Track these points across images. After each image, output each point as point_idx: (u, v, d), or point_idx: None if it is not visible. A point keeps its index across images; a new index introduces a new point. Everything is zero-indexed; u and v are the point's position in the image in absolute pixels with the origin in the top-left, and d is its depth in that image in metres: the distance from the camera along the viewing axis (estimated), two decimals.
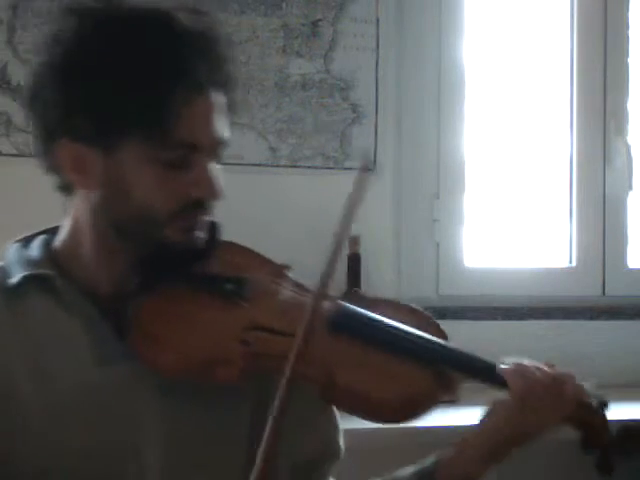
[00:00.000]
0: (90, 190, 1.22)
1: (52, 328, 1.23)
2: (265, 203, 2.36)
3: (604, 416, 1.28)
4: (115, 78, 1.17)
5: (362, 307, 1.30)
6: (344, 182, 2.44)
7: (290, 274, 1.33)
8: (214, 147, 1.24)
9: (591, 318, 2.59)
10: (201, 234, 1.24)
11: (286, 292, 1.28)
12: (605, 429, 1.28)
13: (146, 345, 1.19)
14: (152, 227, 1.20)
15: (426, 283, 2.51)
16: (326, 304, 1.20)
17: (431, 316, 1.34)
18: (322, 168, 2.40)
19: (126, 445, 1.21)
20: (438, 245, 2.53)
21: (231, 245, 1.31)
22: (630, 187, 2.68)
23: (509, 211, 2.67)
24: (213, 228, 1.27)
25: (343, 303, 1.28)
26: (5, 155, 2.21)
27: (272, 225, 2.31)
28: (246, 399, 1.27)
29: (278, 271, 1.31)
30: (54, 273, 1.24)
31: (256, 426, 1.25)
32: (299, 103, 2.39)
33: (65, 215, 1.28)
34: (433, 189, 2.54)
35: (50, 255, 1.27)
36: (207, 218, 1.25)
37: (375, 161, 2.45)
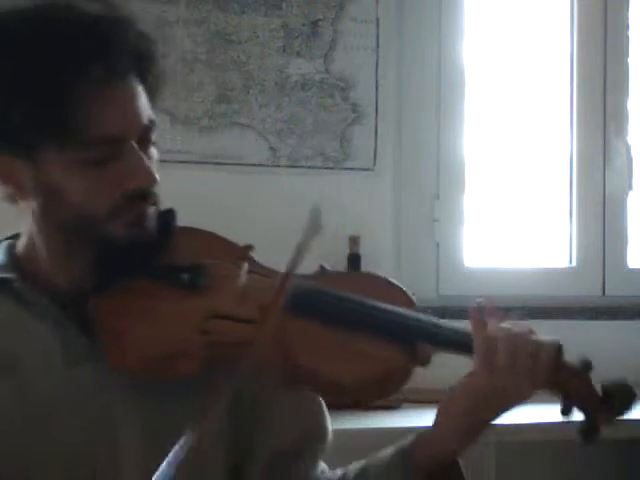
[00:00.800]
0: (27, 200, 1.20)
1: (19, 332, 1.21)
2: (265, 203, 2.36)
3: (588, 378, 1.20)
4: (10, 88, 1.14)
5: (324, 284, 1.25)
6: (344, 182, 2.47)
7: (253, 255, 1.29)
8: (139, 134, 1.18)
9: (591, 318, 2.59)
10: (150, 225, 1.20)
11: (246, 276, 1.24)
12: (590, 391, 1.19)
13: (109, 343, 1.17)
14: (94, 227, 1.18)
15: (426, 283, 2.51)
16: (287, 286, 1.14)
17: (395, 283, 1.30)
18: (322, 168, 2.41)
19: (102, 445, 1.20)
20: (438, 245, 2.53)
21: (190, 231, 1.27)
22: (630, 187, 2.68)
23: (509, 211, 2.66)
24: (167, 216, 1.23)
25: (301, 282, 1.22)
26: None
27: (272, 225, 2.31)
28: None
29: (240, 253, 1.27)
30: (15, 276, 1.23)
31: (232, 416, 1.24)
32: (299, 103, 2.39)
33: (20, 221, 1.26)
34: (433, 189, 2.54)
35: (13, 260, 1.26)
36: (154, 207, 1.21)
37: (375, 161, 2.45)
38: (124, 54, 1.17)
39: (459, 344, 1.21)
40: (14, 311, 1.22)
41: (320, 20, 2.41)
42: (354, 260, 2.34)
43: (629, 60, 2.69)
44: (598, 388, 1.19)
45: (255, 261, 1.29)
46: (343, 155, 2.42)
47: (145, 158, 1.19)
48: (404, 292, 1.30)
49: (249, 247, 1.29)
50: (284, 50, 2.39)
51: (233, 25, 2.35)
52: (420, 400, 2.21)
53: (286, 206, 2.35)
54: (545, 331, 2.69)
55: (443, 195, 2.54)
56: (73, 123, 1.13)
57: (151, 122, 1.20)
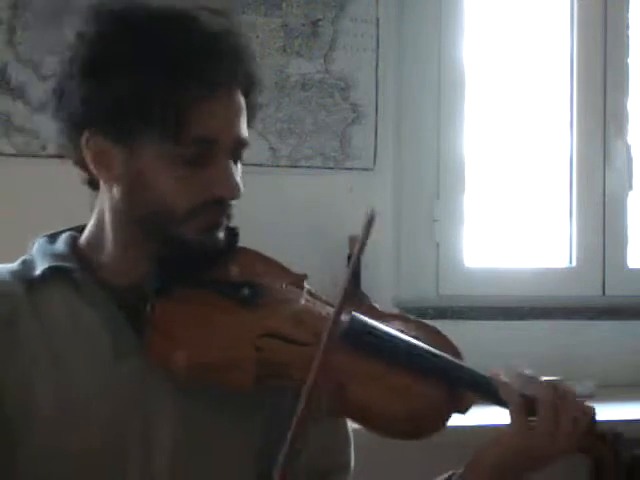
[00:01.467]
0: (112, 184, 1.24)
1: (72, 320, 1.24)
2: (265, 203, 2.36)
3: (616, 449, 1.25)
4: (131, 76, 1.19)
5: (376, 320, 1.29)
6: (344, 182, 2.46)
7: (306, 284, 1.32)
8: (233, 146, 1.24)
9: (591, 318, 2.59)
10: (220, 235, 1.25)
11: (302, 301, 1.28)
12: (617, 463, 1.25)
13: (160, 344, 1.20)
14: (170, 224, 1.21)
15: (426, 283, 2.51)
16: (343, 316, 1.18)
17: (446, 336, 1.33)
18: (322, 168, 2.40)
19: (137, 440, 1.22)
20: (438, 245, 2.53)
21: (250, 252, 1.32)
22: (630, 187, 2.68)
23: (509, 211, 2.66)
24: (232, 233, 1.27)
25: (359, 316, 1.27)
26: (5, 155, 2.21)
27: (272, 225, 2.31)
28: (258, 409, 1.27)
29: (295, 280, 1.31)
30: (76, 266, 1.26)
31: (267, 438, 1.26)
32: (299, 103, 2.39)
33: (88, 212, 1.31)
34: (433, 189, 2.54)
35: (75, 250, 1.29)
36: (227, 220, 1.25)
37: (375, 161, 2.45)
38: (239, 67, 1.23)
39: (499, 398, 1.23)
40: (70, 299, 1.25)
41: (320, 20, 2.41)
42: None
43: (629, 60, 2.69)
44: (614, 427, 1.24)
45: (309, 290, 1.32)
46: (343, 155, 2.42)
47: (235, 170, 1.24)
48: (451, 342, 1.32)
49: (304, 276, 1.33)
50: (284, 50, 2.38)
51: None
52: None
53: (286, 206, 2.35)
54: (545, 331, 2.69)
55: (443, 195, 2.54)
56: (179, 118, 1.18)
57: (245, 140, 1.25)
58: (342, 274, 1.18)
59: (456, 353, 1.30)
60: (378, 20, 2.45)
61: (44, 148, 2.21)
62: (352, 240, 2.35)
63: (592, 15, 2.66)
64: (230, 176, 1.23)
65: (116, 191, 1.24)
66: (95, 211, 1.29)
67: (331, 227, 2.37)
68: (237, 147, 1.25)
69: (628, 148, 2.67)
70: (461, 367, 1.26)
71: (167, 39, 1.20)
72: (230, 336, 1.21)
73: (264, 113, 2.37)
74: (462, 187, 2.57)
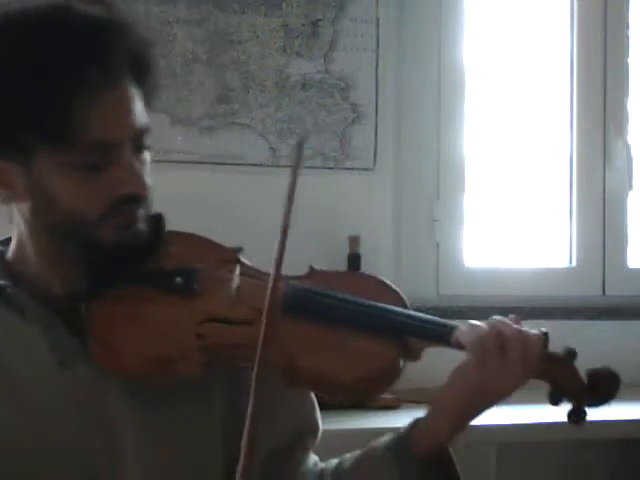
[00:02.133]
0: (18, 202, 1.20)
1: (11, 338, 1.21)
2: (265, 203, 2.36)
3: (573, 366, 1.25)
4: (6, 90, 1.14)
5: (318, 283, 1.26)
6: (344, 182, 2.46)
7: (242, 256, 1.30)
8: (132, 139, 1.19)
9: (591, 318, 2.59)
10: (141, 228, 1.21)
11: (238, 279, 1.25)
12: (575, 379, 1.24)
13: (101, 349, 1.18)
14: (84, 230, 1.18)
15: (426, 283, 2.51)
16: (280, 286, 1.16)
17: (387, 283, 1.31)
18: (322, 168, 2.40)
19: (102, 447, 1.20)
20: (438, 245, 2.53)
21: (178, 235, 1.28)
22: (630, 187, 2.68)
23: (509, 211, 2.66)
24: (156, 221, 1.23)
25: (293, 283, 1.25)
26: None
27: (272, 225, 2.30)
28: (216, 392, 1.26)
29: (230, 256, 1.28)
30: (7, 282, 1.23)
31: (229, 420, 1.25)
32: (299, 103, 2.39)
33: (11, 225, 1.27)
34: (433, 189, 2.54)
35: (3, 265, 1.26)
36: (144, 211, 1.21)
37: (375, 161, 2.45)
38: (120, 58, 1.16)
39: (446, 338, 1.22)
40: (5, 316, 1.22)
41: (320, 20, 2.41)
42: (354, 260, 2.34)
43: (629, 60, 2.69)
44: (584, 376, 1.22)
45: (245, 263, 1.30)
46: (343, 155, 2.42)
47: (137, 164, 1.19)
48: (393, 289, 1.31)
49: (238, 249, 1.30)
50: (284, 50, 2.39)
51: (233, 25, 2.35)
52: (420, 400, 2.21)
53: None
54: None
55: (443, 195, 2.54)
56: (66, 126, 1.13)
57: (145, 127, 1.20)
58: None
59: (400, 300, 1.28)
60: (378, 20, 2.45)
61: None
62: (352, 240, 2.35)
63: (592, 15, 2.66)
64: (133, 172, 1.18)
65: (24, 207, 1.20)
66: (14, 225, 1.25)
67: (331, 227, 2.37)
68: (137, 137, 1.20)
69: (628, 148, 2.67)
70: (405, 315, 1.24)
71: (39, 43, 1.13)
72: (170, 328, 1.19)
73: (264, 113, 2.38)
74: (462, 187, 2.57)
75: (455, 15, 2.56)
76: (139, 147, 1.21)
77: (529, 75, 2.67)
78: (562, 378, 1.23)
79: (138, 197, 1.19)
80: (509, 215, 2.66)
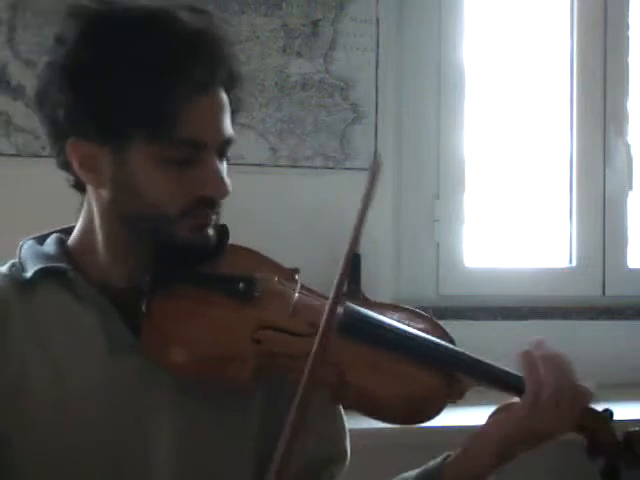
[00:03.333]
0: (100, 188, 1.24)
1: (66, 320, 1.24)
2: (265, 203, 2.36)
3: (611, 425, 1.29)
4: (115, 79, 1.18)
5: (371, 309, 1.31)
6: (344, 182, 2.46)
7: (298, 277, 1.34)
8: (220, 145, 1.25)
9: (591, 318, 2.59)
10: (210, 232, 1.25)
11: (296, 293, 1.29)
12: (612, 437, 1.28)
13: (157, 342, 1.20)
14: (161, 225, 1.22)
15: (426, 283, 2.51)
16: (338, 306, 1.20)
17: (439, 324, 1.35)
18: (322, 168, 2.40)
19: (135, 439, 1.22)
20: (438, 245, 2.53)
21: (240, 248, 1.33)
22: (630, 187, 2.68)
23: (509, 211, 2.67)
24: (222, 230, 1.28)
25: (353, 305, 1.29)
26: (5, 155, 2.21)
27: (272, 225, 2.31)
28: (254, 402, 1.28)
29: (287, 274, 1.33)
30: (69, 266, 1.26)
31: (264, 429, 1.26)
32: (299, 103, 2.39)
33: (77, 213, 1.30)
34: (433, 189, 2.54)
35: (64, 251, 1.29)
36: (217, 218, 1.26)
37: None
38: (222, 67, 1.24)
39: (497, 380, 1.27)
40: (64, 299, 1.25)
41: (320, 20, 2.41)
42: (354, 260, 2.34)
43: (629, 60, 2.69)
44: (619, 434, 1.28)
45: (302, 283, 1.33)
46: (343, 155, 2.42)
47: (222, 169, 1.25)
48: (444, 329, 1.34)
49: (296, 270, 1.35)
50: (284, 50, 2.38)
51: (233, 25, 2.35)
52: None
53: (286, 206, 2.35)
54: (545, 331, 2.69)
55: (443, 195, 2.54)
56: (167, 120, 1.18)
57: (231, 137, 1.27)
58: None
59: (450, 341, 1.31)
60: (378, 20, 2.45)
61: (44, 148, 2.21)
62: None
63: (592, 15, 2.66)
64: (219, 176, 1.24)
65: (105, 194, 1.24)
66: (82, 213, 1.29)
67: (331, 227, 2.37)
68: (224, 146, 1.26)
69: (628, 148, 2.67)
70: (457, 352, 1.28)
71: (148, 40, 1.19)
72: (227, 330, 1.22)
73: (264, 113, 2.38)
74: (462, 187, 2.57)
75: (455, 15, 2.56)
76: (223, 155, 1.27)
77: (529, 75, 2.67)
78: (600, 434, 1.28)
79: (217, 201, 1.25)
80: (509, 215, 2.66)
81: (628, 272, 2.68)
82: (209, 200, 1.24)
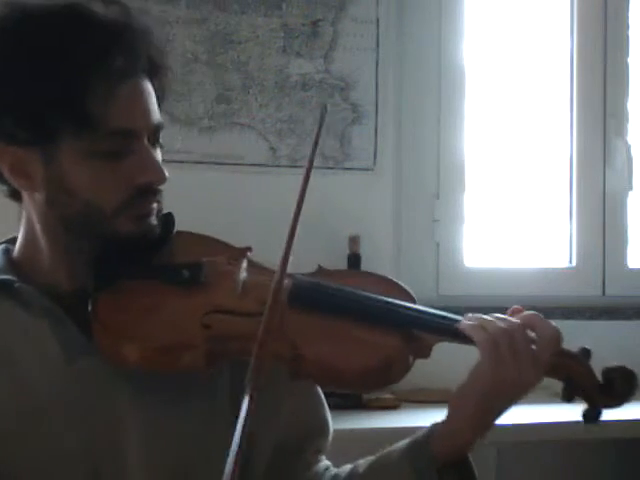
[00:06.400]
0: (34, 192, 1.21)
1: (19, 332, 1.22)
2: (265, 203, 2.36)
3: (588, 364, 1.23)
4: (30, 78, 1.15)
5: (327, 280, 1.27)
6: (344, 182, 2.46)
7: (250, 256, 1.31)
8: (150, 132, 1.21)
9: (591, 318, 2.59)
10: (153, 222, 1.23)
11: (243, 273, 1.27)
12: (590, 377, 1.22)
13: (105, 339, 1.18)
14: (101, 222, 1.19)
15: (426, 283, 2.51)
16: (286, 280, 1.17)
17: (395, 281, 1.31)
18: (322, 168, 2.40)
19: (105, 443, 1.20)
20: (438, 245, 2.53)
21: (186, 234, 1.30)
22: (630, 187, 2.68)
23: (509, 211, 2.67)
24: (167, 218, 1.26)
25: (300, 277, 1.26)
26: None
27: (272, 225, 2.30)
28: (222, 386, 1.26)
29: (237, 253, 1.30)
30: (14, 278, 1.23)
31: (234, 417, 1.25)
32: (299, 103, 2.39)
33: (19, 222, 1.27)
34: (433, 189, 2.54)
35: (10, 262, 1.27)
36: (159, 206, 1.23)
37: (375, 161, 2.45)
38: (141, 54, 1.20)
39: (456, 332, 1.21)
40: (13, 311, 1.23)
41: (320, 20, 2.41)
42: (354, 260, 2.34)
43: (629, 60, 2.69)
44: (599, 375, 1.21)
45: (253, 261, 1.31)
46: (343, 155, 2.42)
47: (154, 154, 1.22)
48: (402, 286, 1.31)
49: (247, 248, 1.32)
50: (284, 50, 2.39)
51: (233, 25, 2.35)
52: (420, 400, 2.21)
53: (286, 206, 2.35)
54: None
55: (443, 195, 2.54)
56: (91, 112, 1.16)
57: (160, 123, 1.23)
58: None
59: (409, 297, 1.28)
60: (378, 20, 2.45)
61: None
62: (352, 240, 2.36)
63: (592, 15, 2.66)
64: (154, 162, 1.21)
65: (40, 198, 1.21)
66: (22, 222, 1.26)
67: (331, 227, 2.37)
68: (153, 132, 1.22)
69: (628, 148, 2.67)
70: (413, 309, 1.23)
71: (64, 34, 1.16)
72: (176, 319, 1.20)
73: (264, 113, 2.38)
74: (462, 187, 2.57)
75: (455, 15, 2.56)
76: (154, 142, 1.23)
77: (529, 75, 2.68)
78: (576, 375, 1.21)
79: (156, 186, 1.22)
80: (509, 215, 2.66)
81: (628, 272, 2.68)
82: (147, 188, 1.20)
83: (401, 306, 1.24)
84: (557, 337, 1.20)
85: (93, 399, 1.21)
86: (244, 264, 1.28)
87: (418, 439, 1.23)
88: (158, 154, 1.24)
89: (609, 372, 1.23)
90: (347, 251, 2.34)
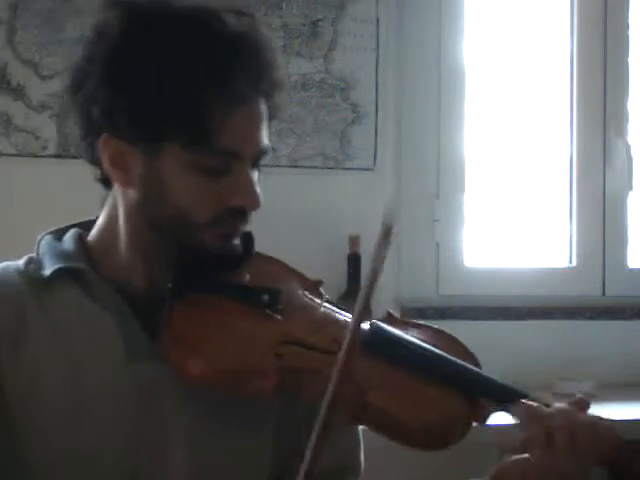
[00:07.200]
0: (129, 187, 1.21)
1: (84, 322, 1.22)
2: (265, 203, 2.36)
3: (632, 458, 1.19)
4: (156, 80, 1.16)
5: (396, 328, 1.27)
6: (344, 182, 2.46)
7: (322, 290, 1.31)
8: (255, 155, 1.23)
9: (591, 318, 2.59)
10: (237, 242, 1.23)
11: (320, 308, 1.26)
12: (632, 472, 1.18)
13: (176, 349, 1.17)
14: (189, 231, 1.19)
15: (426, 283, 2.51)
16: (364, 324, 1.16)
17: (463, 344, 1.30)
18: (322, 168, 2.40)
19: (149, 445, 1.20)
20: (438, 245, 2.53)
21: (265, 257, 1.30)
22: (630, 187, 2.68)
23: (509, 211, 2.67)
24: (248, 238, 1.26)
25: (379, 323, 1.25)
26: (5, 155, 2.21)
27: (272, 225, 2.30)
28: (270, 417, 1.26)
29: (311, 286, 1.30)
30: (87, 267, 1.24)
31: (279, 445, 1.25)
32: (299, 103, 2.39)
33: (100, 209, 1.28)
34: (433, 189, 2.54)
35: (84, 249, 1.27)
36: (245, 227, 1.24)
37: (375, 161, 2.45)
38: (264, 75, 1.21)
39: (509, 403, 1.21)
40: (81, 300, 1.23)
41: (320, 20, 2.41)
42: (354, 260, 2.34)
43: (629, 60, 2.69)
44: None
45: (327, 297, 1.30)
46: (343, 155, 2.42)
47: (254, 179, 1.23)
48: (467, 349, 1.30)
49: (320, 282, 1.32)
50: (284, 50, 2.38)
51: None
52: None
53: (286, 206, 2.35)
54: (545, 331, 2.69)
55: (443, 195, 2.54)
56: (205, 129, 1.16)
57: (267, 148, 1.24)
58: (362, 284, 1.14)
59: (474, 361, 1.27)
60: (378, 20, 2.45)
61: (44, 148, 2.21)
62: (352, 240, 2.35)
63: (592, 15, 2.66)
64: (252, 187, 1.22)
65: (133, 194, 1.21)
66: (106, 210, 1.26)
67: (331, 227, 2.37)
68: (258, 156, 1.24)
69: (628, 148, 2.67)
70: (482, 376, 1.23)
71: (193, 43, 1.16)
72: (249, 343, 1.19)
73: None
74: (462, 187, 2.57)
75: (455, 15, 2.56)
76: (256, 165, 1.24)
77: (529, 75, 2.67)
78: (626, 468, 1.19)
79: (247, 211, 1.23)
80: (509, 215, 2.66)
81: (628, 272, 2.68)
82: (239, 211, 1.21)
83: (471, 370, 1.24)
84: (615, 432, 1.18)
85: (145, 402, 1.20)
86: (321, 299, 1.28)
87: None
88: (256, 177, 1.25)
89: None
90: (347, 251, 2.34)
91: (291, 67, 2.38)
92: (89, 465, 1.18)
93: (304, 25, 2.40)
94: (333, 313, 1.26)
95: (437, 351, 1.25)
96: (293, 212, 2.35)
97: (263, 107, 1.22)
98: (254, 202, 1.23)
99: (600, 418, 1.19)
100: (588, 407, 1.21)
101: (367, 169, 2.44)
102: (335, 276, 2.22)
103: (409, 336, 1.26)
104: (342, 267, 2.31)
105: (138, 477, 1.20)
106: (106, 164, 1.21)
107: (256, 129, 1.21)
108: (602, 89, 2.66)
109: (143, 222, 1.22)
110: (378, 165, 2.45)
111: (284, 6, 2.39)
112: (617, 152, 2.66)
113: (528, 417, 1.17)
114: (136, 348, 1.21)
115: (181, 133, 1.17)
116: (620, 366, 2.52)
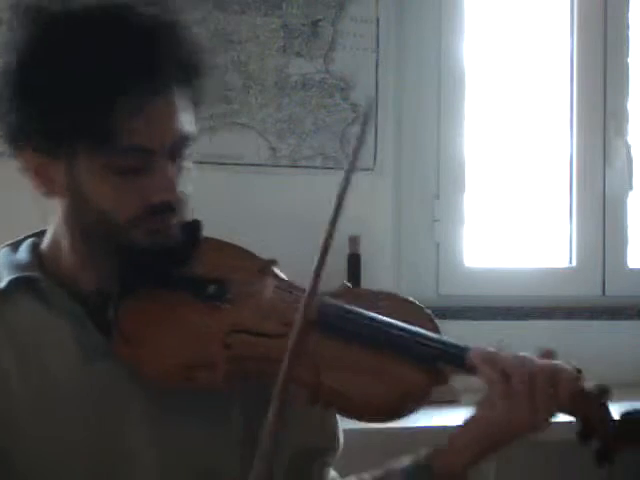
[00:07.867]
0: (55, 198, 1.23)
1: (41, 329, 1.24)
2: (265, 203, 2.36)
3: (605, 406, 1.20)
4: (58, 89, 1.16)
5: (351, 303, 1.25)
6: None
7: (276, 268, 1.30)
8: (172, 148, 1.22)
9: (591, 318, 2.59)
10: (174, 235, 1.22)
11: (270, 292, 1.26)
12: (606, 420, 1.19)
13: (126, 349, 1.18)
14: (116, 232, 1.20)
15: (426, 283, 2.51)
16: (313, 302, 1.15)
17: (418, 304, 1.30)
18: (322, 168, 2.41)
19: (116, 444, 1.21)
20: (438, 245, 2.53)
21: (214, 242, 1.29)
22: (630, 187, 2.68)
23: (509, 211, 2.67)
24: (193, 227, 1.25)
25: (328, 301, 1.24)
26: None
27: (272, 225, 2.31)
28: (235, 401, 1.26)
29: (264, 267, 1.29)
30: (40, 275, 1.25)
31: (250, 428, 1.24)
32: (299, 103, 2.39)
33: (49, 218, 1.29)
34: (433, 189, 2.54)
35: (37, 258, 1.28)
36: (177, 218, 1.23)
37: (375, 161, 2.45)
38: (171, 66, 1.19)
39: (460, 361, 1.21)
40: (36, 309, 1.24)
41: (320, 20, 2.41)
42: (354, 260, 2.34)
43: (629, 60, 2.69)
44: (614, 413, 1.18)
45: (279, 276, 1.30)
46: (343, 155, 2.42)
47: (171, 173, 1.22)
48: (426, 312, 1.29)
49: (273, 261, 1.31)
50: (284, 50, 2.39)
51: (233, 25, 2.35)
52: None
53: (286, 206, 2.35)
54: (545, 331, 2.69)
55: (443, 195, 2.54)
56: (110, 131, 1.16)
57: (187, 135, 1.23)
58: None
59: (431, 323, 1.26)
60: (378, 20, 2.45)
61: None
62: (352, 240, 2.35)
63: (592, 15, 2.66)
64: (168, 183, 1.21)
65: (62, 203, 1.23)
66: (54, 217, 1.27)
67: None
68: (177, 146, 1.23)
69: (628, 148, 2.67)
70: (434, 340, 1.22)
71: (94, 44, 1.15)
72: (198, 335, 1.19)
73: (264, 113, 2.38)
74: (462, 187, 2.57)
75: (455, 15, 2.56)
76: (177, 155, 1.23)
77: (529, 75, 2.67)
78: (593, 418, 1.19)
79: (170, 205, 1.21)
80: (509, 215, 2.66)
81: (628, 272, 2.68)
82: (161, 206, 1.20)
83: (427, 337, 1.22)
84: (577, 378, 1.19)
85: (105, 401, 1.21)
86: (270, 281, 1.27)
87: (420, 461, 1.23)
88: (181, 167, 1.24)
89: (628, 418, 1.20)
90: (347, 251, 2.34)
91: (291, 67, 2.38)
92: (56, 465, 1.20)
93: (304, 25, 2.40)
94: (284, 295, 1.25)
95: (390, 322, 1.22)
96: (293, 212, 2.35)
97: (174, 99, 1.20)
98: (171, 196, 1.21)
99: (561, 364, 1.19)
100: (553, 357, 1.21)
101: (367, 169, 2.44)
102: (335, 276, 2.21)
103: (361, 309, 1.24)
104: (342, 267, 2.31)
105: (106, 471, 1.21)
106: (32, 177, 1.23)
107: (167, 121, 1.20)
108: (602, 89, 2.66)
109: (77, 229, 1.23)
110: (378, 165, 2.45)
111: (284, 6, 2.39)
112: (617, 152, 2.66)
113: (483, 360, 1.17)
114: (91, 348, 1.22)
115: (88, 137, 1.17)
116: (620, 366, 2.51)
